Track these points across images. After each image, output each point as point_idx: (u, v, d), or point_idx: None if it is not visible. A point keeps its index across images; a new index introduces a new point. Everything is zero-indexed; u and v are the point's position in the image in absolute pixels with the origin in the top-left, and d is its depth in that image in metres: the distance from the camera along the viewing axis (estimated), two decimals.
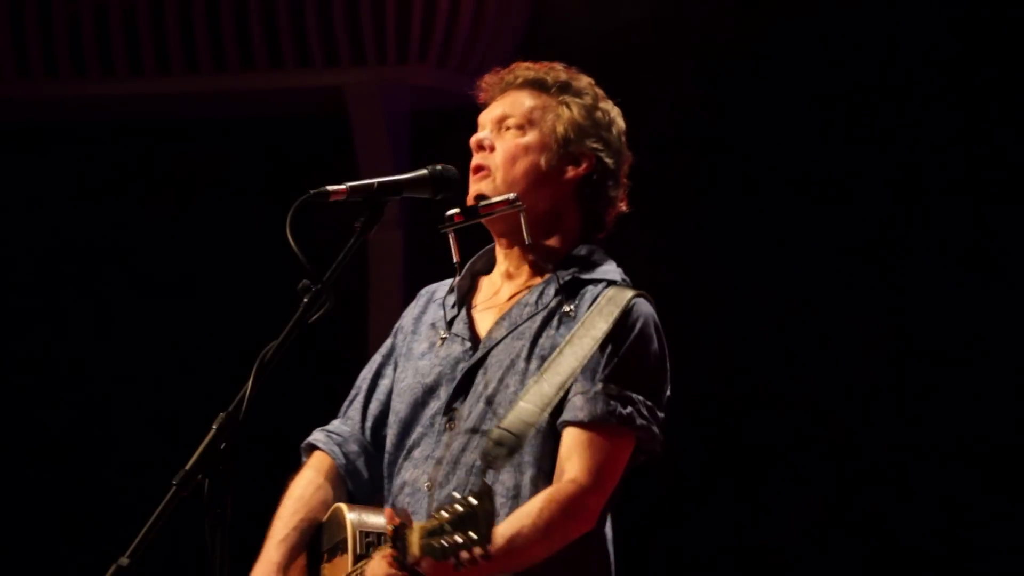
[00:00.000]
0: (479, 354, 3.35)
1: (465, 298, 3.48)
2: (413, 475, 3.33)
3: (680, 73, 6.40)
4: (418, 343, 3.45)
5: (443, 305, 3.48)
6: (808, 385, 6.41)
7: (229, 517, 2.84)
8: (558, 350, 3.27)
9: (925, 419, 6.27)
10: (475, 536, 2.84)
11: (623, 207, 3.49)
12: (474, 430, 3.29)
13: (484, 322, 3.41)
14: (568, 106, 3.45)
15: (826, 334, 6.40)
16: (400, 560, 2.95)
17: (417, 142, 7.06)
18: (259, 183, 7.25)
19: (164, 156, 7.48)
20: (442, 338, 3.42)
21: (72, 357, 7.48)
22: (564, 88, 3.47)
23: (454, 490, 3.25)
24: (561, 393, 3.24)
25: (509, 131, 3.44)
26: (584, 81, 3.51)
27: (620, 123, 3.50)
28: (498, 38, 6.97)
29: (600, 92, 3.51)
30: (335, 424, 3.52)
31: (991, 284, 6.26)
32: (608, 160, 3.44)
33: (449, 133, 6.84)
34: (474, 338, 3.39)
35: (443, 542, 2.86)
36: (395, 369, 3.49)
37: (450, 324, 3.44)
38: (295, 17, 7.06)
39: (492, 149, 3.43)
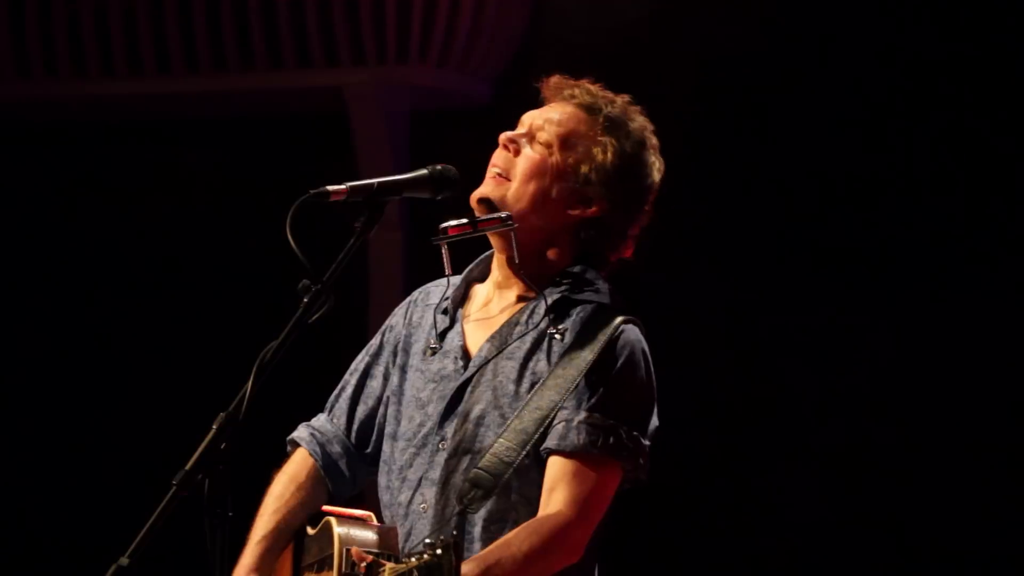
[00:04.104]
0: (468, 373, 3.35)
1: (458, 307, 3.46)
2: (408, 496, 3.33)
3: (680, 73, 6.40)
4: (414, 352, 3.44)
5: (436, 313, 3.46)
6: (807, 386, 6.41)
7: (229, 517, 2.85)
8: (541, 382, 3.26)
9: (925, 420, 6.27)
10: None
11: (627, 255, 3.44)
12: (465, 451, 3.29)
13: (475, 337, 3.40)
14: (606, 148, 3.37)
15: (825, 334, 6.40)
16: None
17: (417, 142, 7.06)
18: (259, 183, 7.25)
19: (164, 156, 7.48)
20: (432, 348, 3.41)
21: (72, 357, 7.48)
22: (613, 126, 3.39)
23: (444, 515, 3.25)
24: (541, 429, 3.23)
25: (539, 144, 3.40)
26: (639, 124, 3.42)
27: (654, 179, 3.41)
28: (498, 38, 6.97)
29: (652, 142, 3.42)
30: (320, 420, 3.53)
31: (991, 284, 6.25)
32: (617, 215, 3.38)
33: (449, 133, 6.91)
34: (465, 355, 3.38)
35: None
36: (384, 371, 3.48)
37: (443, 335, 3.42)
38: (295, 17, 7.06)
39: (517, 154, 3.40)
